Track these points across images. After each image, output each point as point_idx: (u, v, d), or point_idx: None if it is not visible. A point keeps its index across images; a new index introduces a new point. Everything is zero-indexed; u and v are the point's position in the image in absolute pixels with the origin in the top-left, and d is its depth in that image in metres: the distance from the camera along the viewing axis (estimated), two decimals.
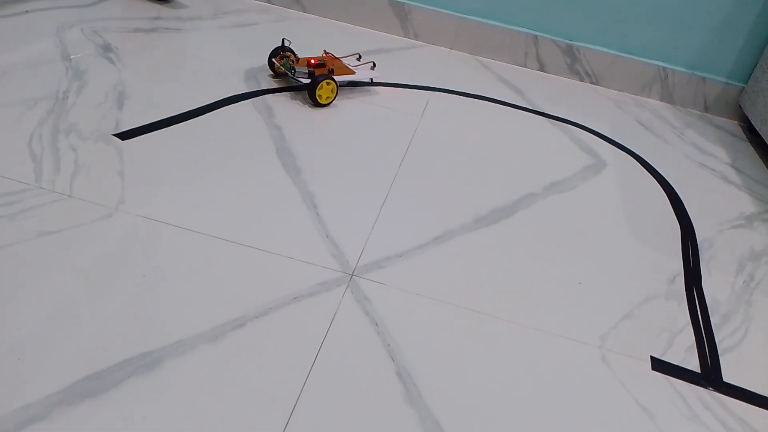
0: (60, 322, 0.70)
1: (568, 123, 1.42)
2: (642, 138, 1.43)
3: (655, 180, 1.26)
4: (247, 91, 1.25)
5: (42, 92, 1.11)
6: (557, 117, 1.44)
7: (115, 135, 1.03)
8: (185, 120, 1.11)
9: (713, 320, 0.92)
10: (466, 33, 1.65)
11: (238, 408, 0.65)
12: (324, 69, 1.25)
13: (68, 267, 0.77)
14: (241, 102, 1.21)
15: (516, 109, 1.44)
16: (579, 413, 0.73)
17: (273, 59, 1.28)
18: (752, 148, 1.51)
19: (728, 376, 0.83)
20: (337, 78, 1.23)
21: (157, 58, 1.32)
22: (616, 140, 1.39)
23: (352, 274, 0.85)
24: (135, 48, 1.33)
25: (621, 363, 0.81)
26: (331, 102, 1.23)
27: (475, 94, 1.47)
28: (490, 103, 1.44)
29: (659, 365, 0.82)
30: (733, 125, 1.62)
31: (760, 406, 0.79)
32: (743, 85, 1.60)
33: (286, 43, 1.26)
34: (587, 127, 1.42)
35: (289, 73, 1.25)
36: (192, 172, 0.99)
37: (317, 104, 1.22)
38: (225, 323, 0.74)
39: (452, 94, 1.44)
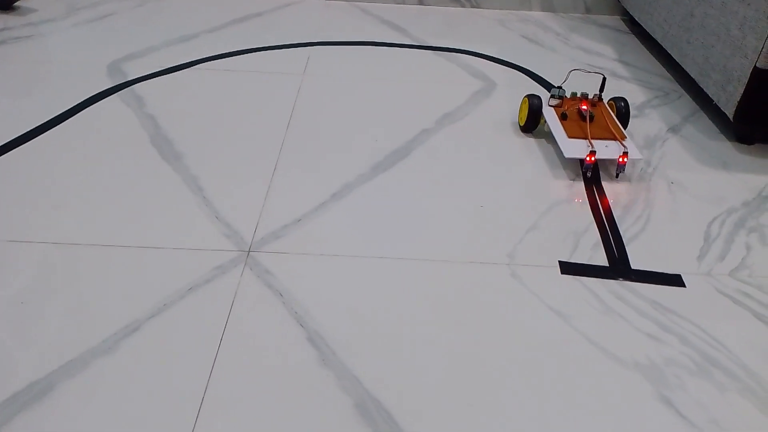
0: None
1: (455, 51, 1.40)
2: (529, 52, 1.43)
3: (545, 90, 1.26)
4: (112, 85, 1.17)
5: None
6: (443, 47, 1.41)
7: None
8: (45, 131, 1.03)
9: (616, 213, 0.93)
10: None
11: (143, 416, 0.61)
12: (583, 123, 1.04)
13: None
14: (107, 98, 1.13)
15: (402, 48, 1.40)
16: (497, 332, 0.73)
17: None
18: (637, 40, 1.53)
19: (636, 263, 0.84)
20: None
21: (9, 72, 1.21)
22: (505, 59, 1.38)
23: (249, 251, 0.81)
24: None
25: (531, 274, 0.81)
26: (527, 128, 1.11)
27: (358, 41, 1.42)
28: (374, 47, 1.40)
29: (567, 267, 0.82)
30: (616, 21, 1.63)
31: (669, 284, 0.81)
32: None
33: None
34: (475, 52, 1.40)
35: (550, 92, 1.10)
36: (60, 184, 0.92)
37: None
38: (117, 332, 0.69)
39: (334, 45, 1.39)
